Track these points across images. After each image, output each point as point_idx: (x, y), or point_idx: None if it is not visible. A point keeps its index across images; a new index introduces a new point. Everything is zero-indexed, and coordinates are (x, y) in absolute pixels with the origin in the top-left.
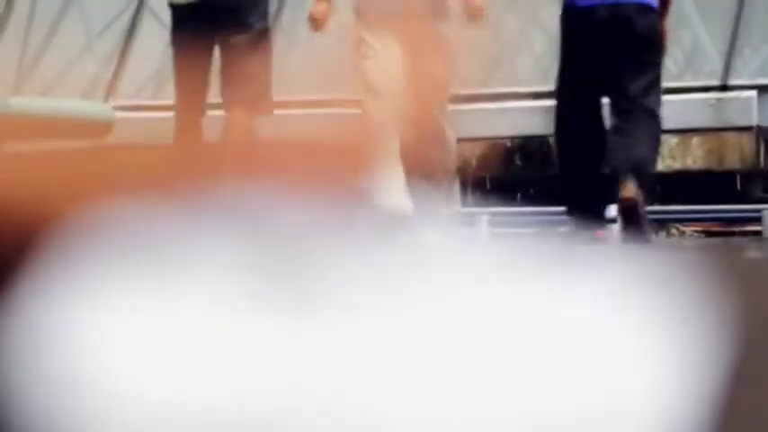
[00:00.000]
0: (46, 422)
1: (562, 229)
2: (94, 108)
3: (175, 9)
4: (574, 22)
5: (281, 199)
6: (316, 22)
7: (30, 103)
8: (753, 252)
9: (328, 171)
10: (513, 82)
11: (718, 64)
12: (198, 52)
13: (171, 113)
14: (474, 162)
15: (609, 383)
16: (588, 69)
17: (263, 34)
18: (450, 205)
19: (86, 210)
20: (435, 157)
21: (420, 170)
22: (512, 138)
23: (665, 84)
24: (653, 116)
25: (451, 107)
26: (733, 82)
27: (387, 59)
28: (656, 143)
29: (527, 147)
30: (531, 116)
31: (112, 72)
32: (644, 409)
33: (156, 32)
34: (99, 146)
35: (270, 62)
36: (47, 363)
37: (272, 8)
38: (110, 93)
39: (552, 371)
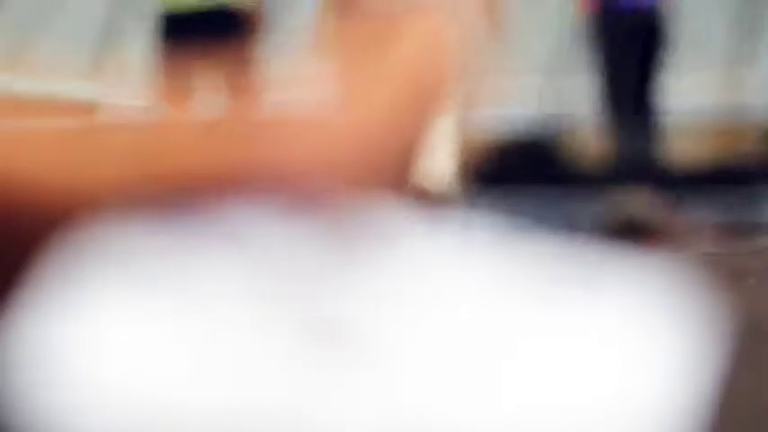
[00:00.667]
0: (47, 424)
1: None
2: (83, 89)
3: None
4: (619, 24)
5: (279, 187)
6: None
7: (17, 82)
8: (758, 244)
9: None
10: (514, 79)
11: (729, 55)
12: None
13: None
14: (476, 158)
15: (607, 385)
16: (629, 72)
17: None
18: (458, 203)
19: (75, 190)
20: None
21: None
22: (513, 135)
23: (677, 75)
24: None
25: (452, 105)
26: (744, 73)
27: (369, 71)
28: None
29: (528, 145)
30: (533, 113)
31: (102, 55)
32: (644, 409)
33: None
34: (87, 124)
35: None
36: (45, 362)
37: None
38: (99, 75)
39: (552, 372)
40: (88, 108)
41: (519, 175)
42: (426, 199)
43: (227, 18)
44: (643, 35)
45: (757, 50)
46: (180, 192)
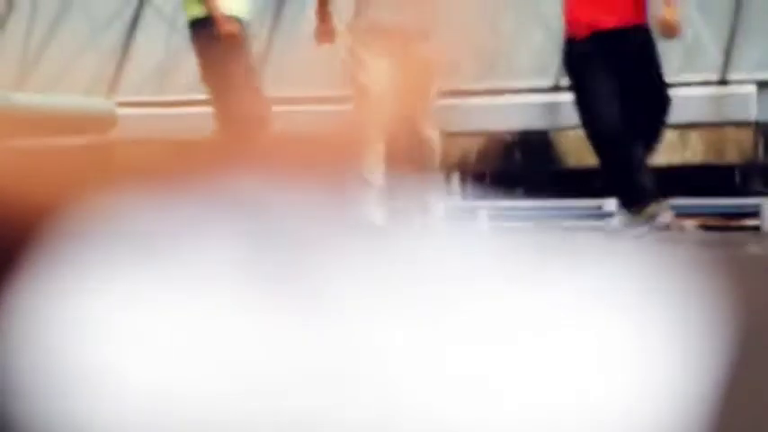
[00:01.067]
0: (45, 415)
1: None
2: (97, 104)
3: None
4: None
5: (278, 193)
6: (322, 40)
7: (33, 98)
8: (751, 247)
9: (322, 164)
10: (512, 76)
11: (717, 59)
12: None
13: (173, 109)
14: (473, 156)
15: (606, 380)
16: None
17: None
18: (436, 198)
19: (89, 204)
20: (418, 154)
21: (405, 166)
22: (511, 132)
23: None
24: None
25: (441, 106)
26: (732, 77)
27: (375, 68)
28: None
29: (527, 141)
30: (531, 110)
31: (115, 68)
32: (642, 402)
33: (159, 27)
34: (102, 141)
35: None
36: (48, 358)
37: (273, 5)
38: (112, 89)
39: (551, 368)
40: (106, 122)
41: (515, 170)
42: (424, 192)
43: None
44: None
45: (744, 49)
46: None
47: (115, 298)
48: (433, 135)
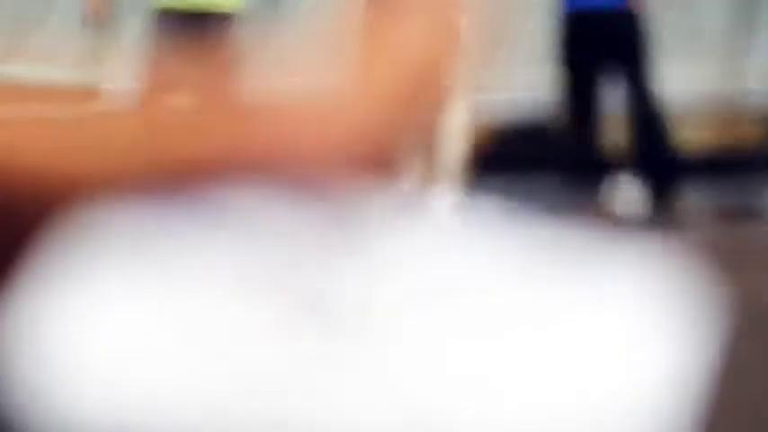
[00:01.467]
0: (42, 413)
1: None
2: (83, 76)
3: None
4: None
5: (275, 174)
6: None
7: (18, 70)
8: (760, 233)
9: (312, 143)
10: (513, 66)
11: (726, 45)
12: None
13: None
14: (475, 146)
15: (606, 373)
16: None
17: None
18: (458, 188)
19: (74, 178)
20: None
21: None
22: (513, 121)
23: (674, 64)
24: None
25: (458, 93)
26: (742, 64)
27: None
28: None
29: (529, 130)
30: (533, 100)
31: (102, 41)
32: (642, 397)
33: (143, 3)
34: (86, 112)
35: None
36: (44, 354)
37: None
38: (98, 62)
39: (551, 364)
40: (88, 94)
41: (522, 159)
42: (437, 184)
43: (212, 19)
44: (607, 34)
45: (754, 39)
46: (176, 176)
47: (110, 289)
48: (461, 113)
